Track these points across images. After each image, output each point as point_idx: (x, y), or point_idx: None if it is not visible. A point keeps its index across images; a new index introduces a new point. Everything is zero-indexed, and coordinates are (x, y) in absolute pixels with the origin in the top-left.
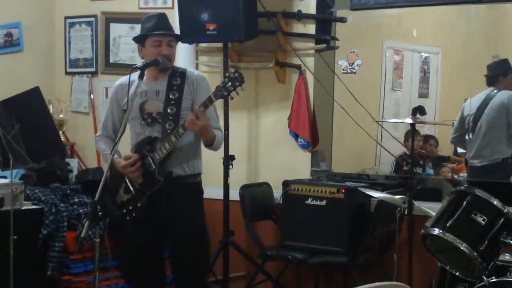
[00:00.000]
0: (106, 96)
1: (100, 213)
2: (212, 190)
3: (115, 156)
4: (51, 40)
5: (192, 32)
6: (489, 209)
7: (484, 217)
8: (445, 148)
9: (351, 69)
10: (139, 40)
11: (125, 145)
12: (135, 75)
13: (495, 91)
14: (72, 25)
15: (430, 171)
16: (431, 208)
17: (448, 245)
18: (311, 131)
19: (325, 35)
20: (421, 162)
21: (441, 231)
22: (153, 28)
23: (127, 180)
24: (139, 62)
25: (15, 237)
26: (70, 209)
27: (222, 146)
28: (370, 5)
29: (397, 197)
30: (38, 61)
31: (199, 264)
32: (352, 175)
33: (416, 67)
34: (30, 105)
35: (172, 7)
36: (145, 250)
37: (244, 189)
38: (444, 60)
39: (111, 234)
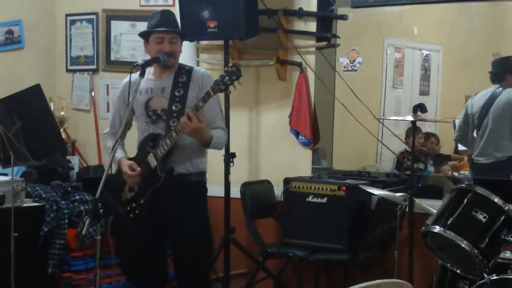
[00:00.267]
0: (107, 94)
1: (101, 210)
2: (213, 188)
3: (122, 155)
4: (52, 38)
5: (193, 30)
6: (490, 206)
7: (485, 215)
8: (446, 146)
9: (352, 67)
10: (144, 36)
11: (132, 143)
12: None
13: (500, 88)
14: (73, 22)
15: (430, 168)
16: (432, 206)
17: (449, 242)
18: (312, 128)
19: (326, 32)
20: (422, 158)
21: (442, 228)
22: (156, 25)
23: None
24: (140, 59)
25: (16, 234)
26: (71, 206)
27: None
28: (371, 2)
29: (398, 194)
30: (39, 59)
31: (200, 262)
32: (353, 172)
33: (417, 64)
34: (31, 102)
35: (173, 5)
36: (145, 249)
37: (245, 186)
38: (445, 57)
39: (114, 232)
